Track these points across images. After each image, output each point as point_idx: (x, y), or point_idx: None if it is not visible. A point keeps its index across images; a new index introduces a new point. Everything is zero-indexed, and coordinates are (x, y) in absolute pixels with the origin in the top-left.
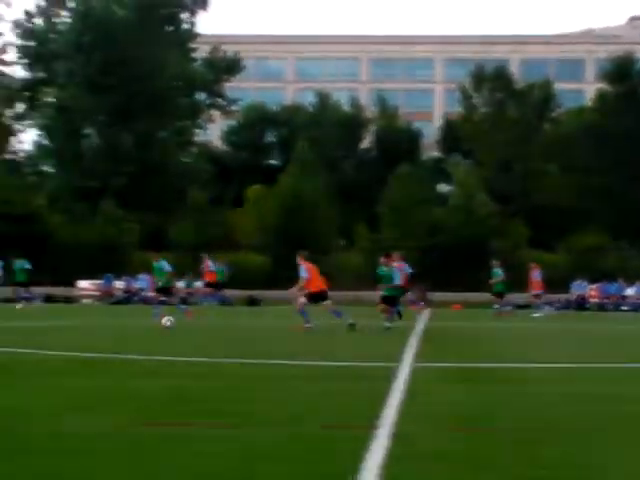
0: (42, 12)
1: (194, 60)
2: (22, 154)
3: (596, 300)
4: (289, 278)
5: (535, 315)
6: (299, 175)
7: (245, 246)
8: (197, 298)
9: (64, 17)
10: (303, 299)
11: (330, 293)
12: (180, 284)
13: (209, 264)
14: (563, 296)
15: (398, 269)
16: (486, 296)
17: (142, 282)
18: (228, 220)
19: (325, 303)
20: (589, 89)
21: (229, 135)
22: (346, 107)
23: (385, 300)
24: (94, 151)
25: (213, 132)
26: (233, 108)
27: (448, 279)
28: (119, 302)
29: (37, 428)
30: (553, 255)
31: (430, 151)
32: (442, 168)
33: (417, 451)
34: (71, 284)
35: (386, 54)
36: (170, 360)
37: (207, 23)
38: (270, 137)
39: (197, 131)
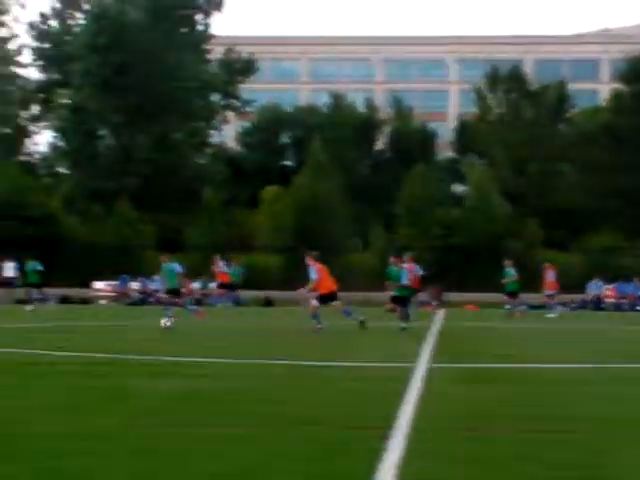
0: (57, 14)
1: (209, 61)
2: (37, 156)
3: (612, 300)
4: (304, 279)
5: (549, 316)
6: (314, 176)
7: (260, 247)
8: (212, 299)
9: (79, 19)
10: (315, 302)
11: (348, 294)
12: (195, 285)
13: (220, 264)
14: (579, 296)
15: (408, 270)
16: (501, 296)
17: (157, 283)
18: (243, 221)
19: (335, 304)
20: (604, 89)
21: (244, 136)
22: (361, 108)
23: (395, 300)
24: (109, 152)
25: (228, 133)
26: (248, 109)
27: (463, 279)
28: (135, 303)
29: (53, 429)
30: (568, 255)
31: (445, 152)
32: (457, 169)
33: (434, 451)
34: (87, 285)
35: (400, 55)
36: (186, 361)
37: (221, 24)
38: (285, 138)
39: (212, 132)
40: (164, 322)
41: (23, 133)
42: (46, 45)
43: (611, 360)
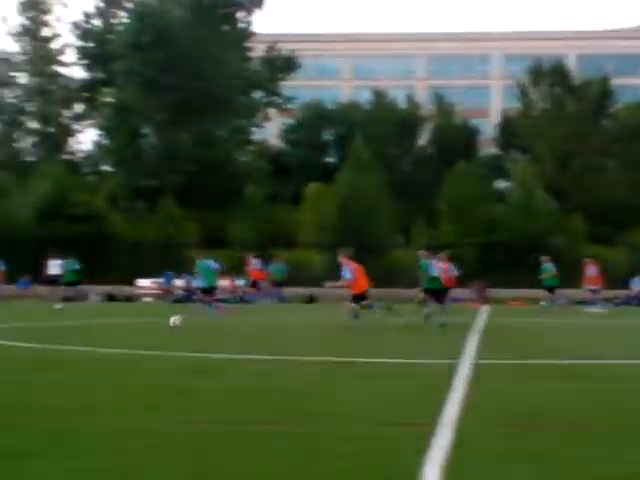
0: (100, 13)
1: (251, 59)
2: (81, 154)
3: None
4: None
5: (588, 310)
6: (356, 173)
7: (303, 244)
8: (249, 296)
9: (122, 17)
10: (352, 303)
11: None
12: (240, 282)
13: (253, 262)
14: (623, 292)
15: (443, 269)
16: (546, 293)
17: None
18: (286, 218)
19: (363, 303)
20: None
21: (287, 133)
22: (402, 105)
23: (428, 292)
24: (153, 150)
25: (270, 130)
26: (290, 106)
27: (507, 276)
28: (179, 300)
29: (101, 427)
30: (613, 251)
31: (487, 148)
32: (500, 165)
33: (479, 448)
34: (131, 283)
35: (442, 51)
36: (232, 358)
37: (263, 22)
38: (327, 135)
39: (254, 130)
40: (173, 321)
41: (67, 132)
42: (90, 44)
43: None
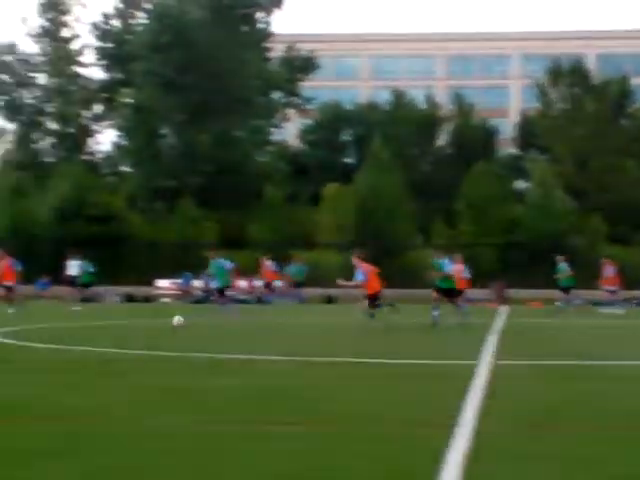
0: (119, 14)
1: (269, 59)
2: (100, 155)
3: None
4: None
5: (603, 311)
6: (375, 173)
7: (322, 244)
8: (265, 297)
9: (141, 18)
10: (366, 304)
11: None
12: (258, 283)
13: (268, 264)
14: None
15: (455, 270)
16: (561, 293)
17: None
18: (305, 218)
19: (375, 303)
20: None
21: (305, 134)
22: (421, 105)
23: (440, 292)
24: (172, 151)
25: (289, 131)
26: (308, 107)
27: (526, 276)
28: (198, 301)
29: (117, 427)
30: (631, 251)
31: (506, 148)
32: (519, 165)
33: (499, 449)
34: (150, 284)
35: (461, 51)
36: (249, 358)
37: (282, 22)
38: (346, 135)
39: (273, 130)
40: (175, 321)
41: (86, 133)
42: (109, 45)
43: None
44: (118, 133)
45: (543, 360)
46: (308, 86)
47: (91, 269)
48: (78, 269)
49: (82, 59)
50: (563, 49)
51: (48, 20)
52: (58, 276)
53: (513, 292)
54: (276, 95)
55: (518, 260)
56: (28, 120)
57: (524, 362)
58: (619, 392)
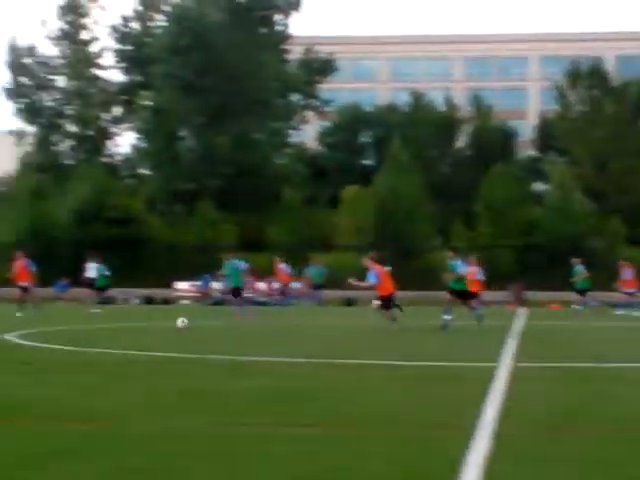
0: (138, 16)
1: (288, 62)
2: (119, 157)
3: None
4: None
5: (618, 313)
6: (394, 175)
7: (341, 247)
8: (287, 300)
9: (160, 21)
10: (382, 307)
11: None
12: (276, 285)
13: (282, 267)
14: None
15: (469, 272)
16: (577, 295)
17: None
18: (323, 221)
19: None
20: None
21: (324, 136)
22: (440, 107)
23: (453, 293)
24: (191, 153)
25: (308, 133)
26: (327, 109)
27: (545, 278)
28: (217, 303)
29: (133, 428)
30: None
31: (525, 150)
32: (537, 167)
33: (518, 452)
34: (169, 286)
35: (480, 53)
36: (267, 360)
37: (300, 25)
38: (365, 137)
39: (292, 132)
40: (179, 323)
41: (105, 135)
42: (128, 47)
43: None
44: (137, 136)
45: (561, 362)
46: (326, 88)
47: (107, 272)
48: (97, 271)
49: (101, 62)
50: (582, 51)
51: (67, 23)
52: (77, 278)
53: (531, 294)
54: (295, 97)
55: (537, 262)
56: (48, 123)
57: (543, 364)
58: (637, 394)
